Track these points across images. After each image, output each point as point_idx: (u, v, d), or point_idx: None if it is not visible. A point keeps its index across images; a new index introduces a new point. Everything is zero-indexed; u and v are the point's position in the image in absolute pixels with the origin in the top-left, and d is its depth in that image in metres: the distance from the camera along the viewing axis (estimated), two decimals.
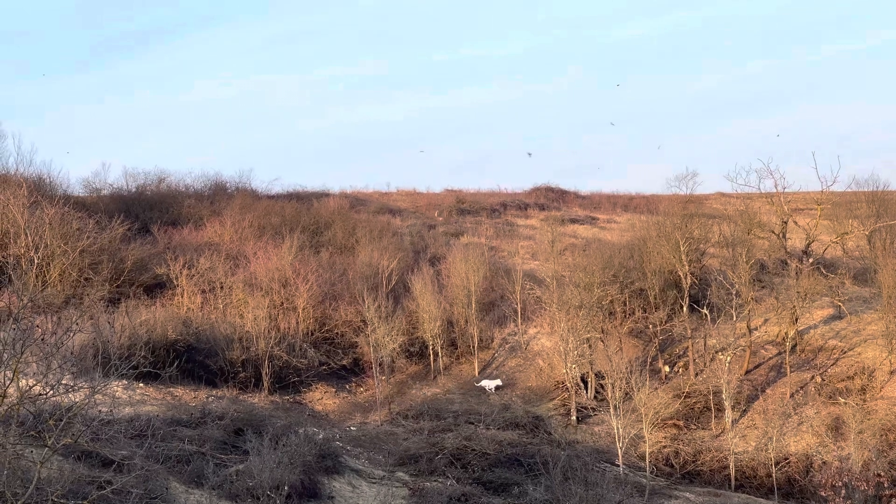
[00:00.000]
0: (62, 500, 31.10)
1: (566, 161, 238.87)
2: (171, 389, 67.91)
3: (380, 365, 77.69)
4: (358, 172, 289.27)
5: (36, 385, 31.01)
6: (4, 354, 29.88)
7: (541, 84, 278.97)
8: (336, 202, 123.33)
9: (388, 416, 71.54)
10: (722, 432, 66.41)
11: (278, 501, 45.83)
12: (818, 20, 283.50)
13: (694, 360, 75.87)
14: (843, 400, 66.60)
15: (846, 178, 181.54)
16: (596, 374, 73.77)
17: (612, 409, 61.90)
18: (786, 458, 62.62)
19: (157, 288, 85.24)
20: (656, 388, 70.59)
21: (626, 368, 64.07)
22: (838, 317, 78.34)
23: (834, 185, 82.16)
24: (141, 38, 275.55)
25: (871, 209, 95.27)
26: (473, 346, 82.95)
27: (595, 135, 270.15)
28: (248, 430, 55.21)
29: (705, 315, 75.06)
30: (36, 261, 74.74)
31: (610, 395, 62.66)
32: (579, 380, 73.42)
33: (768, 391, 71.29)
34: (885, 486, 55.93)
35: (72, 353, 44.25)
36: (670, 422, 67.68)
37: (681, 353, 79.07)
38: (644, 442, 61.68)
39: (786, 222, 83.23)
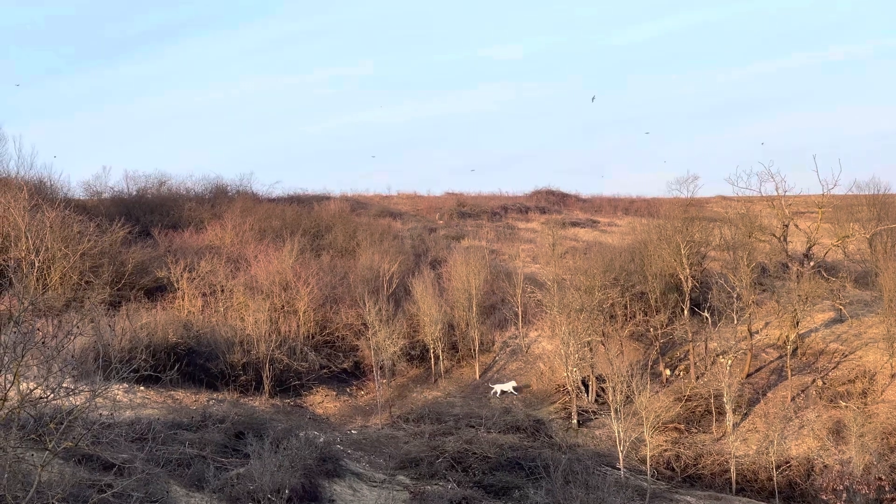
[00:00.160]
0: None
1: (567, 164, 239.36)
2: (172, 393, 67.89)
3: (380, 368, 77.68)
4: (359, 175, 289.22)
5: (36, 388, 30.96)
6: (5, 358, 29.84)
7: (541, 87, 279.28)
8: (337, 205, 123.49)
9: (389, 419, 71.50)
10: (723, 436, 66.34)
11: None
12: (819, 23, 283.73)
13: (695, 363, 75.82)
14: (844, 403, 66.56)
15: (847, 181, 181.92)
16: (597, 378, 73.73)
17: (612, 413, 61.83)
18: (787, 462, 62.56)
19: (157, 291, 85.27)
20: (657, 392, 70.61)
21: (627, 372, 64.00)
22: (839, 320, 78.31)
23: (835, 188, 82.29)
24: (140, 41, 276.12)
25: (872, 212, 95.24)
26: (474, 350, 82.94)
27: (596, 138, 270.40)
28: (249, 433, 55.20)
29: (706, 318, 75.00)
30: (37, 264, 74.75)
31: (611, 399, 62.59)
32: (580, 383, 73.41)
33: (769, 394, 71.23)
34: (887, 489, 55.92)
35: (72, 357, 44.15)
36: (671, 425, 67.62)
37: (682, 356, 79.02)
38: (645, 445, 61.63)
39: (787, 225, 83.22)
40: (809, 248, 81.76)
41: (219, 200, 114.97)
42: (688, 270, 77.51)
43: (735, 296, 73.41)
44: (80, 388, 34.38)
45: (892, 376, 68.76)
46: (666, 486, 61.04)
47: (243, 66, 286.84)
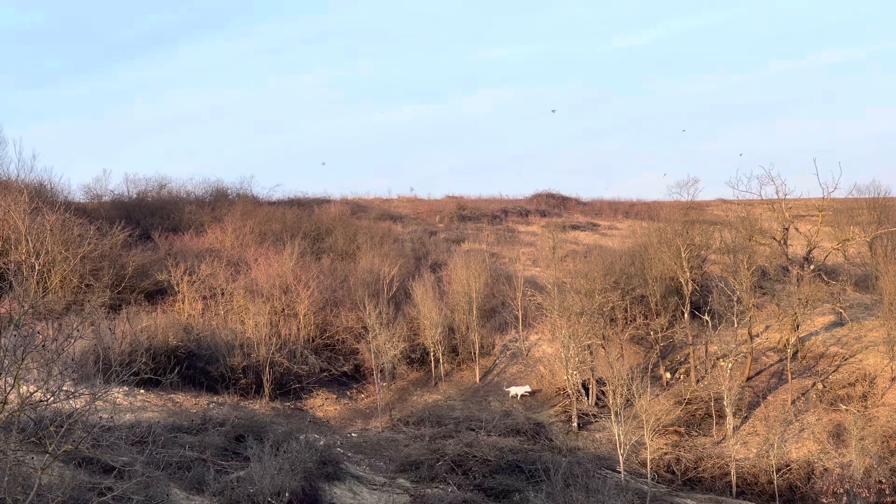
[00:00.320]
0: None
1: (567, 165, 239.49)
2: (172, 396, 67.90)
3: (381, 371, 77.63)
4: (359, 178, 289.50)
5: (37, 391, 30.98)
6: (5, 361, 29.85)
7: (541, 90, 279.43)
8: (337, 208, 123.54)
9: (389, 422, 71.48)
10: (723, 439, 66.32)
11: None
12: (819, 26, 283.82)
13: (695, 366, 75.80)
14: (844, 407, 66.56)
15: (847, 184, 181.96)
16: (597, 381, 73.70)
17: (613, 416, 61.81)
18: (787, 465, 62.55)
19: (158, 294, 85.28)
20: (657, 395, 70.56)
21: (628, 375, 63.99)
22: (840, 323, 78.31)
23: (835, 191, 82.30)
24: (140, 44, 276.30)
25: (873, 216, 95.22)
26: (475, 353, 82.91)
27: (597, 141, 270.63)
28: (249, 436, 55.22)
29: (706, 321, 75.00)
30: (37, 267, 74.74)
31: (611, 402, 62.57)
32: (580, 386, 73.40)
33: (769, 398, 71.21)
34: (887, 492, 56.01)
35: (73, 360, 44.19)
36: (671, 428, 67.59)
37: (682, 359, 79.00)
38: (645, 448, 61.59)
39: (787, 229, 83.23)
40: (810, 252, 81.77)
41: (219, 203, 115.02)
42: (688, 274, 77.49)
43: (735, 299, 73.39)
44: (81, 391, 34.41)
45: (893, 380, 68.75)
46: (666, 490, 61.02)
47: (243, 68, 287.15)
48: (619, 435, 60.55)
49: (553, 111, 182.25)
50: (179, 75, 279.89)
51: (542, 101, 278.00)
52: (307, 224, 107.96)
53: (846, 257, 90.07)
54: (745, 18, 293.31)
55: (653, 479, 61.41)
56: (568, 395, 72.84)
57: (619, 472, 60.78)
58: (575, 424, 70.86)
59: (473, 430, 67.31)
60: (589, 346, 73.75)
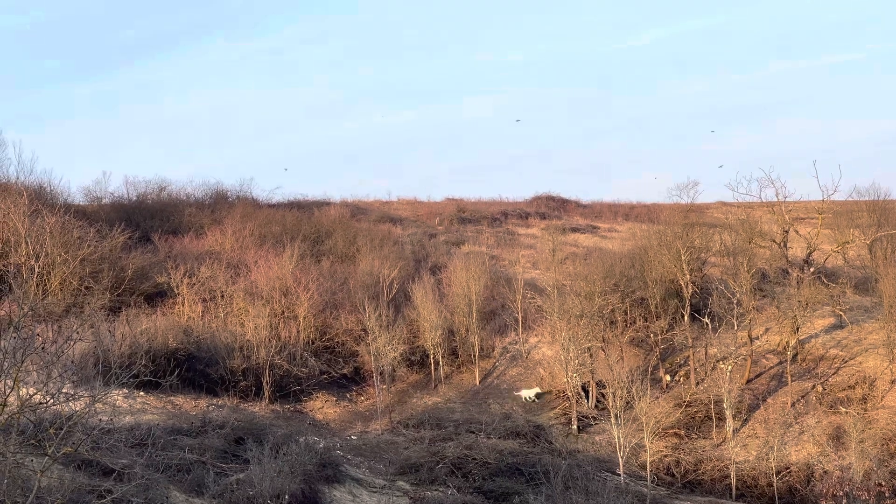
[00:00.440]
0: None
1: (568, 166, 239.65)
2: (172, 398, 67.88)
3: (380, 374, 77.63)
4: (359, 181, 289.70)
5: (36, 394, 30.97)
6: (5, 363, 29.84)
7: (542, 91, 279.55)
8: (337, 211, 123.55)
9: (389, 425, 71.46)
10: (723, 441, 66.31)
11: None
12: (819, 27, 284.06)
13: (695, 369, 75.79)
14: (844, 409, 66.55)
15: (847, 187, 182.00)
16: (597, 383, 73.71)
17: (612, 419, 61.81)
18: (787, 468, 62.53)
19: (157, 297, 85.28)
20: (657, 398, 70.54)
21: (627, 377, 64.00)
22: (839, 326, 78.31)
23: (835, 194, 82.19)
24: (140, 47, 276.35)
25: (872, 218, 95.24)
26: (474, 355, 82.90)
27: (597, 142, 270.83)
28: (249, 438, 55.21)
29: (706, 324, 74.99)
30: (36, 269, 74.76)
31: (611, 405, 62.57)
32: (580, 389, 73.38)
33: (769, 400, 71.20)
34: (887, 495, 55.88)
35: (72, 362, 44.14)
36: (671, 431, 67.59)
37: (682, 362, 78.99)
38: (645, 451, 61.59)
39: (787, 231, 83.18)
40: (809, 254, 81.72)
41: (219, 206, 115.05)
42: (688, 276, 77.49)
43: (735, 302, 73.40)
44: (80, 393, 34.44)
45: (892, 382, 68.75)
46: (666, 492, 61.00)
47: (243, 71, 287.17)
48: (618, 437, 60.54)
49: (517, 121, 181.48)
50: (179, 77, 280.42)
51: (541, 102, 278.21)
52: (307, 226, 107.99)
53: (846, 260, 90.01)
54: (745, 20, 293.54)
55: (652, 482, 61.40)
56: (568, 397, 72.83)
57: (619, 475, 60.76)
58: (575, 427, 70.85)
59: (473, 432, 67.31)
60: (589, 348, 73.75)
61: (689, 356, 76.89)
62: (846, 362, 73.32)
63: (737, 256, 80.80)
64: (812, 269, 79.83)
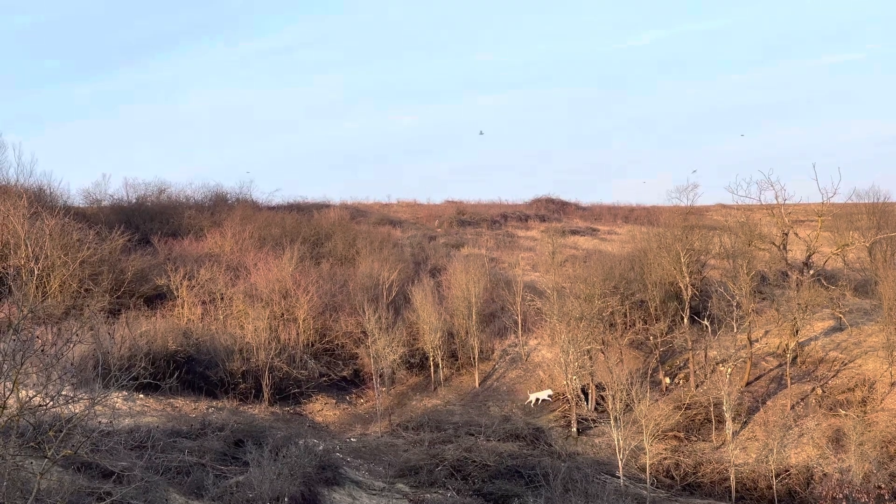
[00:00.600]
0: None
1: (568, 169, 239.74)
2: (172, 401, 67.86)
3: (380, 376, 77.64)
4: (358, 183, 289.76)
5: (36, 396, 30.97)
6: (4, 365, 29.84)
7: (541, 93, 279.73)
8: (336, 213, 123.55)
9: (389, 427, 71.46)
10: (722, 444, 66.30)
11: None
12: (819, 29, 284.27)
13: (695, 371, 75.80)
14: (843, 412, 66.53)
15: (847, 189, 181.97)
16: (596, 386, 73.72)
17: (612, 421, 61.79)
18: (786, 470, 62.51)
19: (157, 299, 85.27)
20: (657, 400, 70.58)
21: (627, 380, 63.95)
22: (839, 328, 78.30)
23: (834, 196, 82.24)
24: (139, 49, 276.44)
25: (872, 221, 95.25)
26: (474, 358, 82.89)
27: (597, 143, 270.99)
28: (249, 441, 55.20)
29: (706, 327, 75.01)
30: (36, 272, 74.72)
31: (610, 407, 62.55)
32: (580, 391, 73.39)
33: (769, 403, 71.20)
34: (886, 498, 55.90)
35: (72, 365, 44.15)
36: (671, 433, 67.58)
37: (681, 364, 79.01)
38: (645, 454, 61.57)
39: (786, 234, 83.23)
40: (809, 257, 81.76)
41: (218, 208, 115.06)
42: (687, 279, 77.51)
43: (735, 304, 73.43)
44: (80, 395, 34.39)
45: (892, 385, 68.73)
46: (665, 495, 61.00)
47: (243, 74, 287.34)
48: (618, 440, 60.52)
49: (481, 133, 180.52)
50: (179, 79, 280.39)
51: (541, 103, 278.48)
52: (306, 229, 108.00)
53: (845, 262, 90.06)
54: (745, 22, 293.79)
55: (652, 485, 61.38)
56: (567, 400, 72.84)
57: (619, 478, 60.75)
58: (574, 429, 70.84)
59: (473, 435, 67.33)
60: (588, 351, 73.74)
61: (688, 359, 76.90)
62: (846, 365, 73.31)
63: (736, 259, 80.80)
64: (811, 272, 79.84)
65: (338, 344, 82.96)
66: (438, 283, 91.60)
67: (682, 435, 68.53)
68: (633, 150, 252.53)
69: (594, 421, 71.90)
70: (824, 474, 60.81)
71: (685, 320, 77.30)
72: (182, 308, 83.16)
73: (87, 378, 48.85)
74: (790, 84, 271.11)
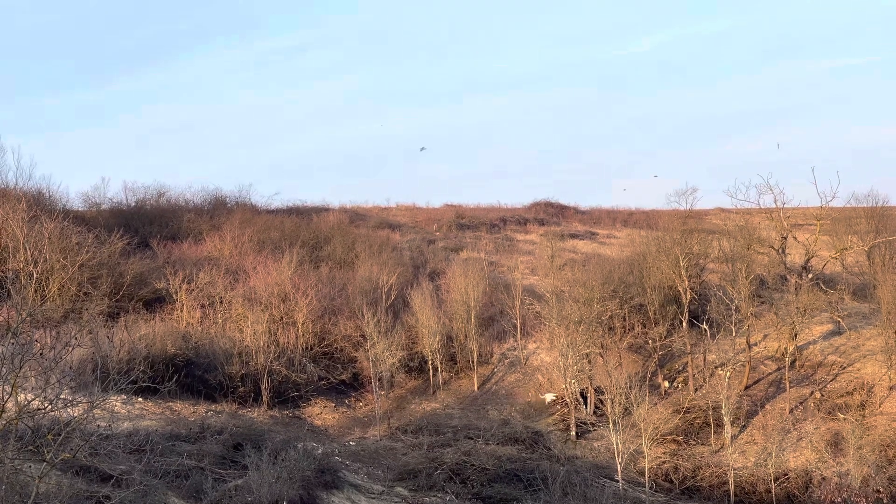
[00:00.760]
0: None
1: (567, 172, 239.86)
2: (170, 404, 67.85)
3: (379, 380, 77.64)
4: (357, 187, 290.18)
5: (34, 400, 30.97)
6: (3, 369, 29.85)
7: (541, 99, 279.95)
8: (336, 217, 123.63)
9: (388, 430, 71.45)
10: (721, 448, 66.28)
11: None
12: (820, 33, 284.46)
13: (693, 375, 75.79)
14: (842, 415, 66.53)
15: (845, 193, 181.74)
16: (595, 390, 73.71)
17: (611, 425, 61.79)
18: (785, 474, 62.48)
19: (156, 302, 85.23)
20: (656, 404, 70.57)
21: (626, 384, 63.96)
22: (837, 332, 78.32)
23: (833, 200, 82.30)
24: (140, 54, 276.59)
25: (871, 225, 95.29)
26: (473, 361, 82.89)
27: (598, 148, 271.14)
28: (247, 444, 55.20)
29: (705, 330, 75.04)
30: (35, 275, 74.75)
31: (609, 411, 62.55)
32: (579, 395, 73.38)
33: (767, 407, 71.20)
34: (885, 502, 55.96)
35: (70, 368, 44.15)
36: (670, 437, 67.56)
37: (680, 368, 79.01)
38: (643, 457, 61.56)
39: (785, 238, 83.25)
40: (808, 261, 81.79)
41: (218, 212, 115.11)
42: (686, 282, 77.56)
43: (734, 308, 73.44)
44: (79, 399, 34.42)
45: (891, 388, 68.74)
46: (664, 499, 60.99)
47: (243, 78, 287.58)
48: (617, 444, 60.52)
49: (422, 149, 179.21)
50: (179, 84, 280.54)
51: (541, 105, 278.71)
52: (306, 232, 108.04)
53: (844, 266, 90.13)
54: (745, 26, 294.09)
55: (651, 488, 61.37)
56: (566, 403, 72.84)
57: (618, 481, 60.74)
58: (573, 433, 70.84)
59: (472, 438, 67.34)
60: (587, 354, 73.72)
61: (687, 362, 76.89)
62: (844, 369, 73.32)
63: (735, 263, 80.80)
64: (810, 276, 79.90)
65: (337, 347, 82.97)
66: (437, 287, 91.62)
67: (680, 439, 68.50)
68: (633, 153, 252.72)
69: (593, 424, 71.89)
70: (823, 478, 60.82)
71: (684, 324, 77.33)
72: (181, 311, 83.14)
73: (85, 381, 48.86)
74: (790, 88, 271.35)
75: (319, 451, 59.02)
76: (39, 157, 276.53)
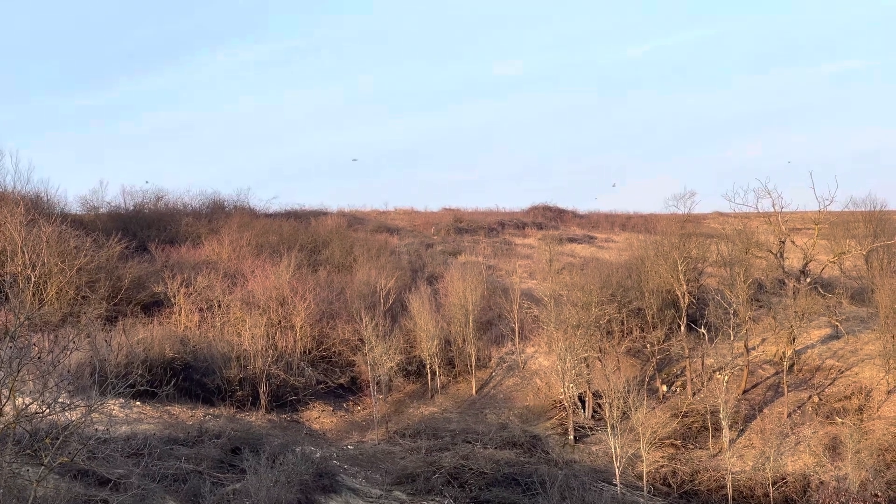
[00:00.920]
0: None
1: (566, 176, 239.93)
2: (168, 408, 67.82)
3: (377, 384, 77.60)
4: (356, 191, 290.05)
5: (32, 403, 30.96)
6: (1, 373, 29.85)
7: (540, 104, 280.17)
8: (334, 221, 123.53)
9: (386, 434, 71.41)
10: (719, 452, 66.30)
11: None
12: (819, 37, 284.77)
13: (691, 379, 75.79)
14: (840, 420, 66.57)
15: (843, 197, 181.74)
16: (593, 394, 73.70)
17: (609, 429, 61.81)
18: (783, 478, 62.50)
19: (154, 306, 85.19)
20: (654, 408, 70.55)
21: (624, 388, 63.98)
22: (836, 336, 78.36)
23: (831, 204, 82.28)
24: (140, 56, 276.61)
25: (869, 229, 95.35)
26: (471, 365, 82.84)
27: (597, 154, 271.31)
28: (246, 448, 55.14)
29: (703, 334, 75.05)
30: (33, 279, 74.72)
31: (607, 415, 62.57)
32: (577, 399, 73.37)
33: (766, 411, 71.22)
34: None
35: (68, 372, 44.11)
36: (668, 441, 67.57)
37: (678, 372, 79.01)
38: (642, 461, 61.57)
39: (783, 242, 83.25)
40: (806, 265, 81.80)
41: (216, 215, 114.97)
42: (685, 286, 77.59)
43: (732, 312, 73.47)
44: (76, 403, 34.39)
45: (889, 392, 68.79)
46: (662, 502, 61.00)
47: (242, 81, 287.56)
48: (615, 448, 60.53)
49: (354, 160, 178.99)
50: (178, 87, 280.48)
51: (540, 110, 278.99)
52: (304, 236, 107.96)
53: (842, 270, 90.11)
54: (741, 30, 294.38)
55: (649, 492, 61.36)
56: (564, 407, 72.82)
57: (616, 485, 60.73)
58: (571, 437, 70.82)
59: (470, 442, 67.29)
60: (585, 358, 73.72)
61: (685, 366, 76.89)
62: (842, 373, 73.37)
63: (733, 267, 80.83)
64: (808, 280, 79.92)
65: (335, 351, 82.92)
66: (435, 291, 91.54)
67: (678, 443, 68.53)
68: (633, 158, 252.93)
69: (591, 429, 71.86)
70: (821, 482, 60.83)
71: (682, 328, 77.35)
72: (179, 315, 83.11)
73: (83, 385, 48.80)
74: (790, 92, 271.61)
75: (317, 455, 59.00)
76: (38, 160, 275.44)
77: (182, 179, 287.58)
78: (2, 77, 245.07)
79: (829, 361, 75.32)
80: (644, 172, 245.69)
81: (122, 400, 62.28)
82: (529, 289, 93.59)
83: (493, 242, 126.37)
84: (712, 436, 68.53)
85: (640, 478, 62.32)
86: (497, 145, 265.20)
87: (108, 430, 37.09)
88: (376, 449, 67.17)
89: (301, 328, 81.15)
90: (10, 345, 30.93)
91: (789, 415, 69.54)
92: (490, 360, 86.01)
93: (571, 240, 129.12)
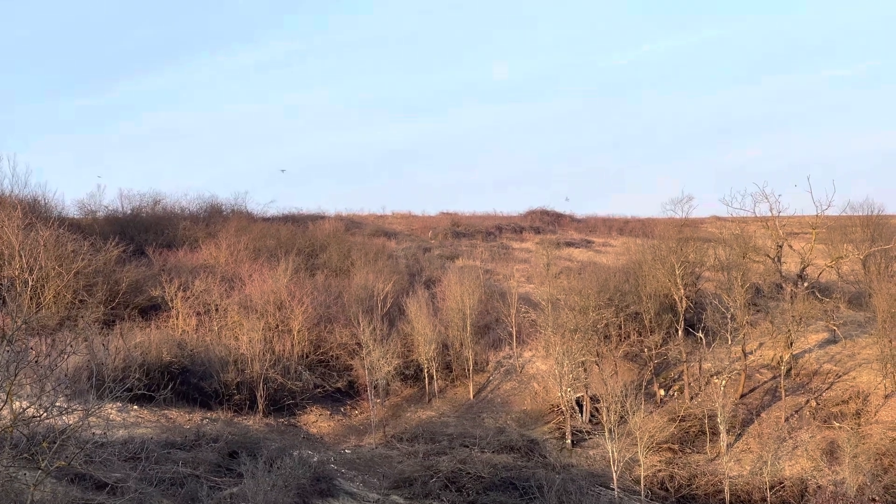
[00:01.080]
0: None
1: (567, 174, 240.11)
2: (166, 412, 67.76)
3: (374, 388, 77.53)
4: (353, 195, 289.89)
5: (29, 407, 30.95)
6: None
7: (539, 107, 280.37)
8: (331, 225, 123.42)
9: (383, 438, 71.37)
10: (717, 456, 66.32)
11: None
12: (819, 42, 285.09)
13: (689, 383, 75.83)
14: (837, 424, 66.59)
15: (841, 202, 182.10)
16: (591, 398, 73.71)
17: (606, 433, 61.79)
18: (780, 482, 62.52)
19: (151, 310, 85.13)
20: (651, 412, 70.56)
21: (621, 392, 64.00)
22: (833, 341, 78.38)
23: (829, 209, 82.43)
24: (138, 60, 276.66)
25: (866, 233, 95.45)
26: (468, 369, 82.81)
27: (596, 157, 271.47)
28: (243, 452, 55.14)
29: (700, 339, 75.08)
30: (30, 283, 74.66)
31: (605, 419, 62.57)
32: (574, 403, 73.37)
33: (763, 415, 71.24)
34: None
35: (66, 376, 44.12)
36: (665, 445, 67.57)
37: (676, 376, 79.02)
38: (639, 465, 61.56)
39: (781, 246, 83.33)
40: (803, 269, 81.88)
41: (213, 219, 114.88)
42: (682, 291, 77.62)
43: (729, 316, 73.49)
44: (74, 407, 34.37)
45: (886, 397, 68.84)
46: None
47: (242, 84, 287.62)
48: (612, 452, 60.51)
49: (283, 171, 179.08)
50: (177, 91, 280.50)
51: (539, 115, 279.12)
52: (301, 240, 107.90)
53: (840, 275, 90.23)
54: (738, 35, 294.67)
55: (646, 496, 61.37)
56: (562, 411, 72.82)
57: (613, 489, 60.72)
58: (569, 441, 70.81)
59: (467, 446, 67.29)
60: (583, 362, 73.75)
61: (683, 371, 76.93)
62: (840, 377, 73.42)
63: (731, 271, 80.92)
64: (806, 284, 79.97)
65: (332, 355, 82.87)
66: (433, 295, 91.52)
67: (676, 447, 68.54)
68: (630, 162, 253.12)
69: (589, 433, 71.87)
70: (819, 486, 60.86)
71: (680, 332, 77.37)
72: (177, 319, 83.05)
73: (81, 389, 48.80)
74: (789, 96, 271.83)
75: (315, 459, 58.98)
76: (38, 163, 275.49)
77: (180, 182, 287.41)
78: (2, 78, 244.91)
79: (826, 366, 75.36)
80: (644, 174, 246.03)
81: (119, 404, 62.20)
82: (527, 293, 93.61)
83: (490, 246, 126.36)
84: (710, 440, 68.55)
85: (637, 482, 62.29)
86: (496, 150, 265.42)
87: (105, 434, 37.12)
88: (374, 453, 67.15)
89: (298, 332, 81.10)
90: (7, 349, 30.91)
91: (787, 419, 69.57)
92: (487, 365, 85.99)
93: (569, 244, 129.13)
